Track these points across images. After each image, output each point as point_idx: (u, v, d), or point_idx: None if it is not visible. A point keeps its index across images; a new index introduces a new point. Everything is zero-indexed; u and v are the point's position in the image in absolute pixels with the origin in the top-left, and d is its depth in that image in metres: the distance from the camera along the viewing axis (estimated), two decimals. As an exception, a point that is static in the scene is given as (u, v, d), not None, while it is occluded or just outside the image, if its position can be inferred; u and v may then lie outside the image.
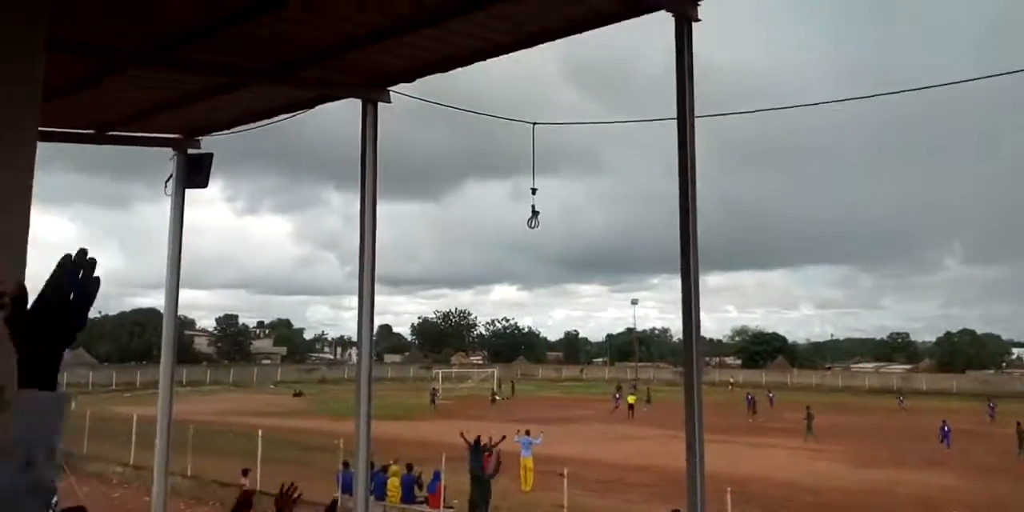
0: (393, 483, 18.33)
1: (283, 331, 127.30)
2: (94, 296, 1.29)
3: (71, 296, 1.26)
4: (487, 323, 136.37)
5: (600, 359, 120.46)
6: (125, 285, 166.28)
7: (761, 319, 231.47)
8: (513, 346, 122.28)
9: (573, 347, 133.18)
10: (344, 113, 6.70)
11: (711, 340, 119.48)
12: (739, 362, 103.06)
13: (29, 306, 1.24)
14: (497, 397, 55.03)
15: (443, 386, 56.57)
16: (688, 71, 4.38)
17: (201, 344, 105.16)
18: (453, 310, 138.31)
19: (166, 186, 7.61)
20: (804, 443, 33.89)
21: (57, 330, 1.26)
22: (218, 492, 20.21)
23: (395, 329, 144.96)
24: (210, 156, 7.63)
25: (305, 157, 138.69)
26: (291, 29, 5.09)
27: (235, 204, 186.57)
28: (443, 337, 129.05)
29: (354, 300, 6.01)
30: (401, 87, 6.30)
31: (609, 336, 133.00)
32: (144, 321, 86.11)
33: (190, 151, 7.70)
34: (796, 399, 48.30)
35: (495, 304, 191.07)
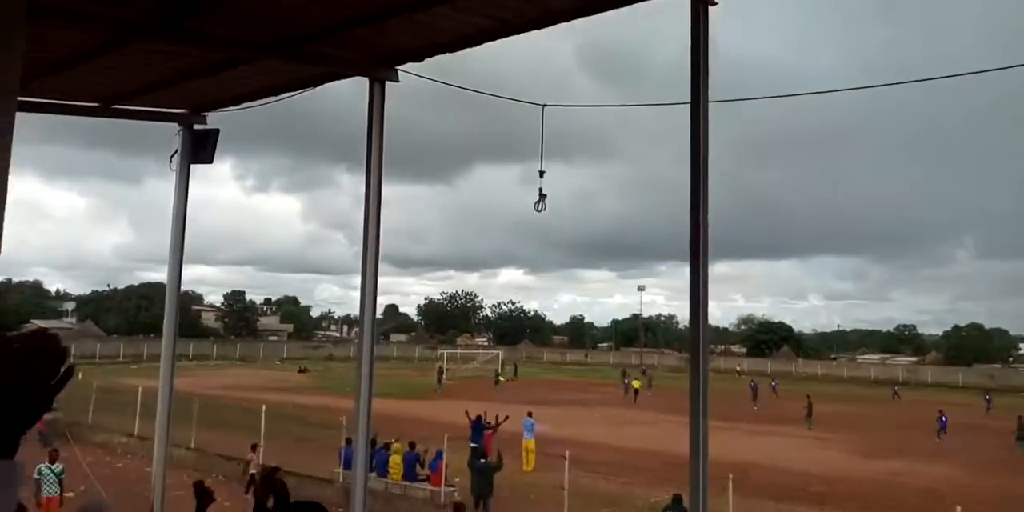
0: (395, 460, 18.43)
1: (290, 308, 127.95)
2: (64, 381, 1.15)
3: (33, 381, 1.12)
4: (493, 306, 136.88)
5: (605, 344, 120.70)
6: (134, 259, 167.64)
7: (768, 308, 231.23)
8: (519, 329, 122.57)
9: (578, 331, 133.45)
10: (356, 95, 6.61)
11: (717, 328, 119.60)
12: (744, 351, 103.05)
13: None
14: (501, 378, 55.21)
15: (447, 367, 56.72)
16: (703, 55, 4.28)
17: (208, 319, 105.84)
18: (460, 292, 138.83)
19: (171, 161, 7.57)
20: (805, 432, 34.01)
21: (15, 417, 1.12)
22: (221, 465, 20.37)
23: (402, 309, 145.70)
24: (216, 132, 7.57)
25: (316, 138, 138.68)
26: (299, 3, 5.00)
27: (245, 182, 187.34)
28: (449, 318, 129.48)
29: (361, 280, 5.98)
30: (410, 67, 6.20)
31: (615, 321, 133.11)
32: (152, 295, 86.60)
33: (196, 127, 7.64)
34: (800, 388, 48.30)
35: (502, 287, 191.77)
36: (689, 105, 4.37)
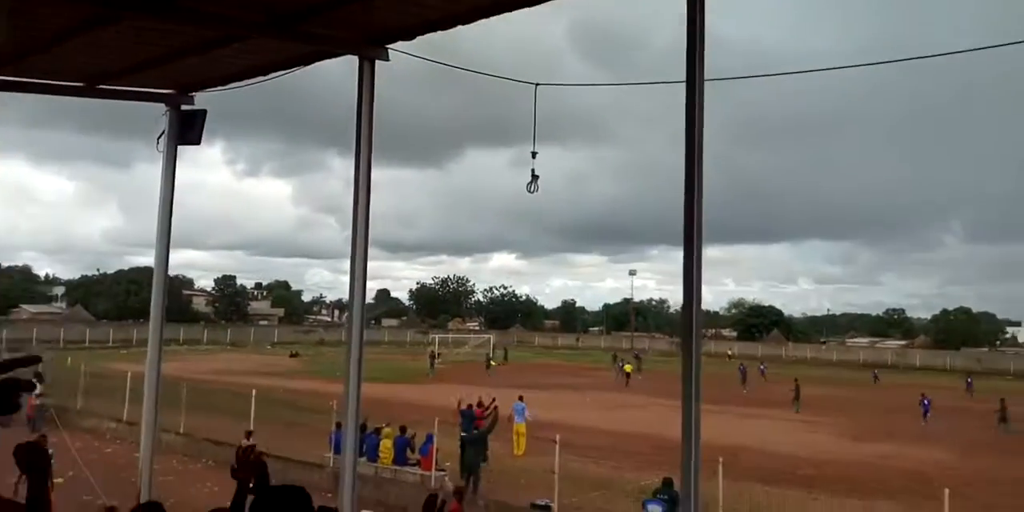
0: (385, 445, 18.46)
1: (281, 293, 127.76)
2: None
3: None
4: (485, 290, 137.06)
5: (596, 328, 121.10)
6: (123, 244, 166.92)
7: (759, 292, 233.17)
8: (510, 313, 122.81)
9: (570, 316, 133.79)
10: (347, 78, 6.50)
11: (708, 312, 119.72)
12: (735, 334, 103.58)
13: None
14: (492, 363, 55.33)
15: (439, 351, 56.77)
16: (700, 31, 4.19)
17: (199, 304, 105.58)
18: (451, 277, 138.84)
19: (158, 142, 7.44)
20: (793, 415, 34.27)
21: None
22: (211, 450, 20.34)
23: (393, 294, 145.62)
24: (204, 113, 7.45)
25: (307, 122, 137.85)
26: (287, -20, 4.88)
27: (235, 166, 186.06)
28: (441, 303, 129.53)
29: (352, 264, 5.91)
30: (401, 45, 6.09)
31: (606, 306, 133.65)
32: (141, 279, 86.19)
33: (183, 107, 7.51)
34: (789, 372, 48.63)
35: (493, 272, 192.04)
36: (684, 83, 4.29)
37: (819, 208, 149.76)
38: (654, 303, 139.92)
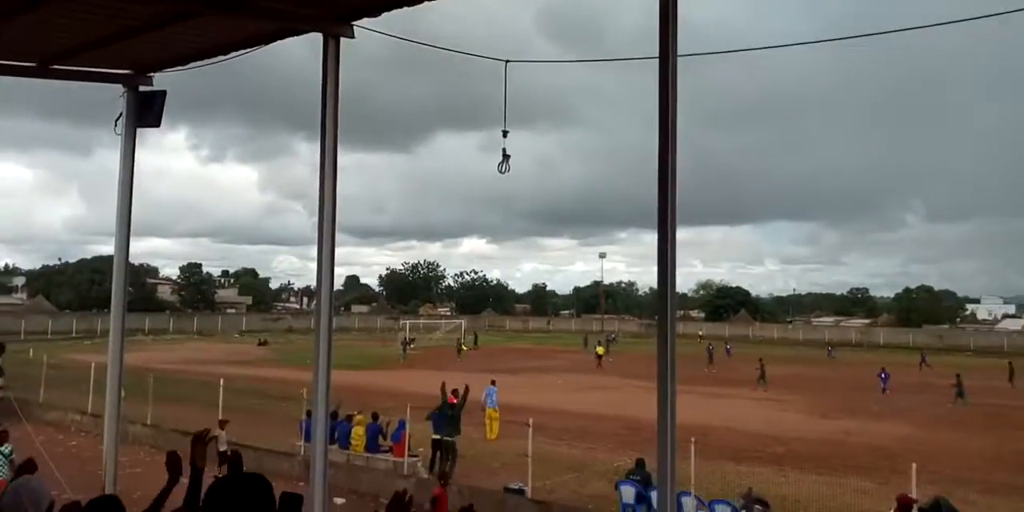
0: (357, 432, 18.32)
1: (248, 280, 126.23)
2: None
3: None
4: (455, 275, 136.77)
5: (567, 312, 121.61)
6: (85, 232, 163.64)
7: (726, 273, 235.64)
8: (481, 298, 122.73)
9: (540, 299, 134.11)
10: (313, 60, 6.31)
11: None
12: (703, 316, 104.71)
13: None
14: (464, 347, 55.35)
15: (411, 337, 56.61)
16: (672, 4, 4.11)
17: (164, 292, 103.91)
18: (421, 262, 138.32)
19: (116, 125, 7.20)
20: (759, 393, 34.79)
21: None
22: (179, 441, 20.03)
23: (363, 280, 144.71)
24: (163, 94, 7.21)
25: (273, 106, 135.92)
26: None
27: (200, 152, 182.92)
28: (411, 288, 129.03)
29: (318, 249, 5.76)
30: (367, 22, 5.91)
31: (576, 289, 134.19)
32: (104, 269, 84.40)
33: (141, 88, 7.26)
34: (756, 351, 49.29)
35: (464, 256, 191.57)
36: (658, 59, 4.21)
37: (784, 189, 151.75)
38: (624, 285, 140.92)
